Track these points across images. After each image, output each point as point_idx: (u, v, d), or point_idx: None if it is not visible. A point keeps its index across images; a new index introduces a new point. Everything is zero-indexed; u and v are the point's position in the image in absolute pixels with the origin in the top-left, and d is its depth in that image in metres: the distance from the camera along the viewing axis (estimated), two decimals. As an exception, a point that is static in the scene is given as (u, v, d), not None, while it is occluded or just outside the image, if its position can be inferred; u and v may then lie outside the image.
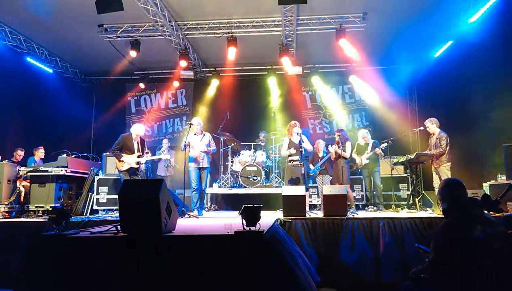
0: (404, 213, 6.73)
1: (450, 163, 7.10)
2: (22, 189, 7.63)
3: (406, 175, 8.95)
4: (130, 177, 7.19)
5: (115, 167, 7.43)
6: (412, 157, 7.55)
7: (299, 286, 3.55)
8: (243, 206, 3.23)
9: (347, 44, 8.99)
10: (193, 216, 6.76)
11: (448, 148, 7.08)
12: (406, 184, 8.96)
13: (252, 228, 3.17)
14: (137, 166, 7.29)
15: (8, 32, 8.87)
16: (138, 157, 7.27)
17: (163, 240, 3.22)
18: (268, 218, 5.43)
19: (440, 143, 7.12)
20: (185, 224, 4.93)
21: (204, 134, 7.73)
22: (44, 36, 9.49)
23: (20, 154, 8.45)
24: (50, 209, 6.84)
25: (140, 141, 7.41)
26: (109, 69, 11.37)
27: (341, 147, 7.73)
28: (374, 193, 7.99)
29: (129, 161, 7.16)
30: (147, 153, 9.23)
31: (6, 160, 7.55)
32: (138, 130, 7.43)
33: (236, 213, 3.17)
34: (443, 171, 7.06)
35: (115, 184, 8.19)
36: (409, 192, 8.50)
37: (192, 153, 7.53)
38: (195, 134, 7.67)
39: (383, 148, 7.89)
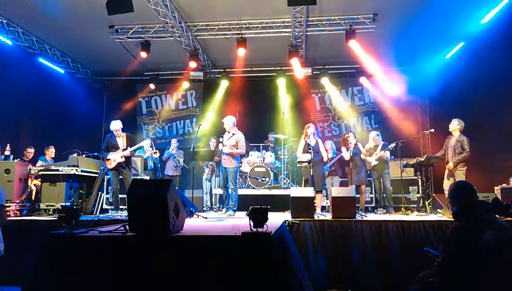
0: (414, 216, 6.66)
1: (466, 167, 6.97)
2: (34, 188, 7.73)
3: (416, 177, 8.86)
4: (120, 174, 7.49)
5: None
6: (423, 159, 7.48)
7: (303, 289, 3.53)
8: (251, 207, 3.22)
9: (357, 45, 8.95)
10: (201, 216, 6.79)
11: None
12: (416, 187, 8.86)
13: (260, 230, 3.16)
14: (123, 160, 7.44)
15: (20, 33, 9.00)
16: (123, 150, 7.44)
17: (170, 240, 3.23)
18: (276, 219, 5.42)
19: (464, 147, 6.92)
20: (193, 224, 4.95)
21: (232, 134, 7.46)
22: (56, 37, 9.62)
23: (29, 151, 8.55)
24: (60, 207, 6.91)
25: (126, 137, 7.61)
26: (120, 70, 11.48)
27: (350, 149, 7.70)
28: (384, 195, 7.92)
29: (114, 157, 7.39)
30: (155, 152, 9.34)
31: (18, 159, 7.65)
32: (114, 125, 7.60)
33: (244, 214, 3.17)
34: (459, 175, 6.93)
35: (124, 184, 8.25)
36: (419, 195, 8.41)
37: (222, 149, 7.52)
38: (228, 132, 7.57)
39: (391, 149, 7.82)
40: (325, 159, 7.64)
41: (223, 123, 7.61)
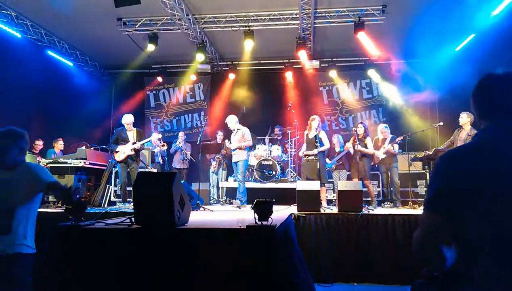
0: (421, 210, 6.61)
1: None
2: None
3: (424, 171, 8.80)
4: (128, 167, 7.57)
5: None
6: (431, 153, 7.42)
7: (305, 284, 3.54)
8: (256, 200, 3.22)
9: (366, 37, 8.87)
10: (207, 209, 6.82)
11: None
12: (424, 181, 8.81)
13: (264, 223, 3.16)
14: (133, 153, 7.54)
15: (29, 26, 9.06)
16: (133, 143, 7.53)
17: (175, 232, 3.24)
18: (282, 213, 5.42)
19: None
20: (199, 217, 4.96)
21: (237, 130, 7.85)
22: (65, 29, 9.66)
23: (38, 144, 8.64)
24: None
25: (136, 132, 7.72)
26: (127, 62, 11.51)
27: (357, 143, 7.65)
28: (391, 189, 7.87)
29: (124, 149, 7.48)
30: (163, 145, 9.39)
31: (27, 152, 7.72)
32: (127, 119, 7.71)
33: (249, 207, 3.19)
34: None
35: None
36: (426, 189, 8.33)
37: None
38: (233, 130, 7.91)
39: (398, 142, 7.75)
40: (325, 148, 7.60)
41: (230, 122, 7.88)
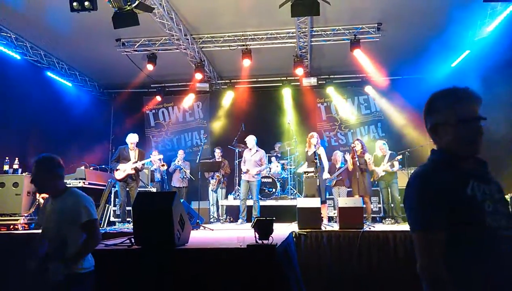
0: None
1: None
2: (42, 201, 7.76)
3: (424, 186, 8.74)
4: (127, 186, 7.57)
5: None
6: (430, 168, 7.40)
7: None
8: (256, 219, 3.21)
9: (362, 55, 8.96)
10: (207, 228, 6.77)
11: None
12: (424, 196, 8.75)
13: (265, 242, 3.14)
14: (133, 172, 7.52)
15: (29, 48, 9.14)
16: (134, 163, 7.53)
17: (176, 252, 3.22)
18: (282, 231, 5.39)
19: None
20: (199, 237, 4.94)
21: (256, 151, 8.31)
22: (64, 50, 9.74)
23: None
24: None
25: (138, 151, 7.75)
26: (127, 82, 11.58)
27: (356, 159, 7.65)
28: (392, 205, 7.83)
29: (125, 167, 7.48)
30: (162, 165, 9.39)
31: (26, 173, 7.71)
32: (131, 139, 7.77)
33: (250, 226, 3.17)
34: None
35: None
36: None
37: (243, 167, 8.29)
38: (250, 149, 8.35)
39: (398, 160, 7.76)
40: (325, 169, 7.74)
41: (246, 142, 8.44)
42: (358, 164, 7.65)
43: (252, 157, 8.22)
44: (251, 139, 8.33)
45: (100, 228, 7.00)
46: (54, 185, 2.94)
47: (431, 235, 1.56)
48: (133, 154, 7.63)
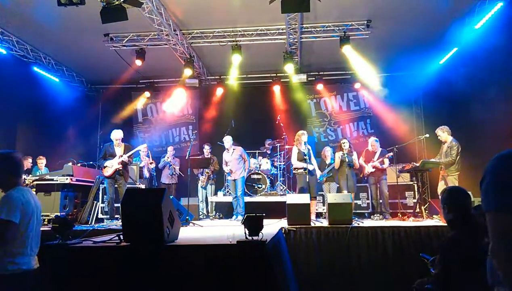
0: (410, 222, 6.65)
1: (458, 173, 7.00)
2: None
3: (412, 182, 8.87)
4: (115, 183, 7.45)
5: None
6: (418, 164, 7.49)
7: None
8: (246, 215, 3.21)
9: (352, 51, 8.99)
10: (197, 224, 6.76)
11: (458, 157, 6.96)
12: (412, 192, 8.87)
13: (255, 238, 3.14)
14: (121, 167, 7.41)
15: (15, 42, 8.98)
16: (120, 157, 7.43)
17: (165, 249, 3.21)
18: (272, 227, 5.40)
19: (451, 152, 6.98)
20: (189, 233, 4.92)
21: (233, 150, 8.49)
22: (51, 45, 9.60)
23: (28, 161, 8.48)
24: (54, 218, 6.87)
25: (124, 147, 7.63)
26: (115, 78, 11.46)
27: (345, 155, 7.69)
28: (381, 201, 7.89)
29: (112, 163, 7.37)
30: (151, 163, 9.35)
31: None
32: (115, 135, 7.64)
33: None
34: (451, 180, 6.94)
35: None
36: (415, 200, 8.41)
37: (226, 168, 8.56)
38: (227, 150, 8.54)
39: (388, 157, 7.83)
40: (315, 166, 7.81)
41: (224, 142, 8.54)
42: (346, 161, 7.69)
43: (232, 156, 8.42)
44: (228, 140, 8.52)
45: (88, 225, 6.98)
46: (6, 181, 2.92)
47: (503, 216, 1.55)
48: (119, 150, 7.53)
